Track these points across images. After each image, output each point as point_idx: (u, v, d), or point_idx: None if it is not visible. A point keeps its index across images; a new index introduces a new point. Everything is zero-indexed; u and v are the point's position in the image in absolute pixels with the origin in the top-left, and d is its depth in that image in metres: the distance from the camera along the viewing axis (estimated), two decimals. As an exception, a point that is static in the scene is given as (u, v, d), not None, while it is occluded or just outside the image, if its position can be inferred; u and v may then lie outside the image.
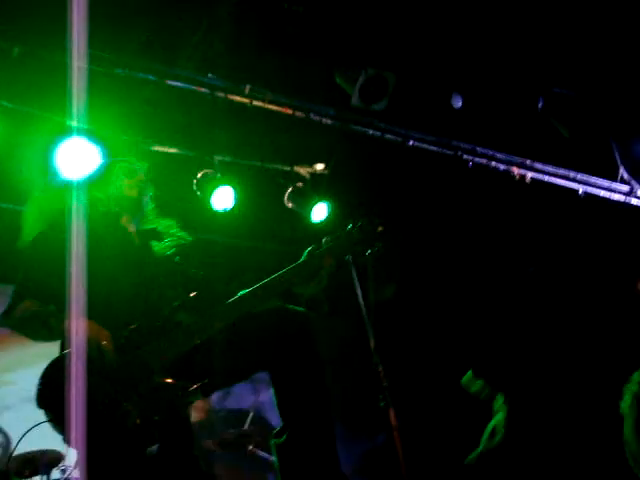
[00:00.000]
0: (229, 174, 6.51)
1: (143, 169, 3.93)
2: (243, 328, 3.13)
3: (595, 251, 7.82)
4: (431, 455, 7.98)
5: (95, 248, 3.27)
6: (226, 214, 6.61)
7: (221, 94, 5.79)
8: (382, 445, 8.11)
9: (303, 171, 6.96)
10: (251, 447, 6.96)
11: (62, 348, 3.07)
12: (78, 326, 2.93)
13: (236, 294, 3.23)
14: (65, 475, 5.48)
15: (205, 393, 3.17)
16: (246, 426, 7.29)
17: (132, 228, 3.71)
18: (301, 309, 3.18)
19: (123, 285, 3.26)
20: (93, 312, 3.04)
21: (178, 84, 5.64)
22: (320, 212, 6.77)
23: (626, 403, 5.40)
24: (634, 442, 5.49)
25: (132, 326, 3.06)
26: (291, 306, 3.20)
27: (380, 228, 3.45)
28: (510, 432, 7.88)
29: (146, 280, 3.39)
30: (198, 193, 6.49)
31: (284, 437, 3.04)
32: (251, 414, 7.41)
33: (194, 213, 6.79)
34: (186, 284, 3.45)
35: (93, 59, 5.07)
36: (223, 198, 6.49)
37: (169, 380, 2.97)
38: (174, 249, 3.73)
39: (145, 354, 3.00)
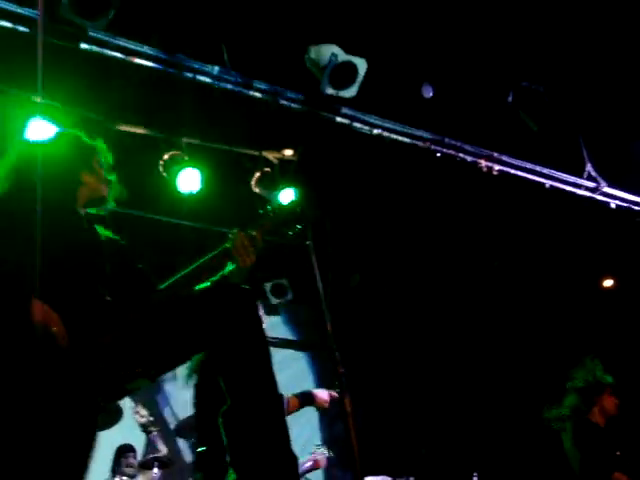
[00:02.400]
0: (196, 156, 6.45)
1: (102, 152, 3.74)
2: (182, 309, 3.09)
3: (559, 246, 7.89)
4: (385, 442, 8.01)
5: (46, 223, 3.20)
6: (192, 197, 6.56)
7: (189, 75, 5.73)
8: (337, 432, 8.14)
9: (271, 156, 6.92)
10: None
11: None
12: (30, 307, 2.86)
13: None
14: None
15: (151, 378, 3.12)
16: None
17: (83, 211, 3.55)
18: (240, 284, 3.15)
19: (70, 265, 3.16)
20: (42, 291, 2.97)
21: (147, 63, 5.56)
22: (287, 198, 6.73)
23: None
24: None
25: (79, 309, 2.99)
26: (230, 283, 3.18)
27: (298, 210, 3.44)
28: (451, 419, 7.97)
29: (93, 262, 3.29)
30: (164, 175, 6.43)
31: (230, 414, 3.01)
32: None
33: (159, 195, 6.75)
34: (133, 267, 3.42)
35: (58, 34, 4.99)
36: (189, 181, 6.44)
37: (115, 364, 2.93)
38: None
39: (91, 338, 2.95)
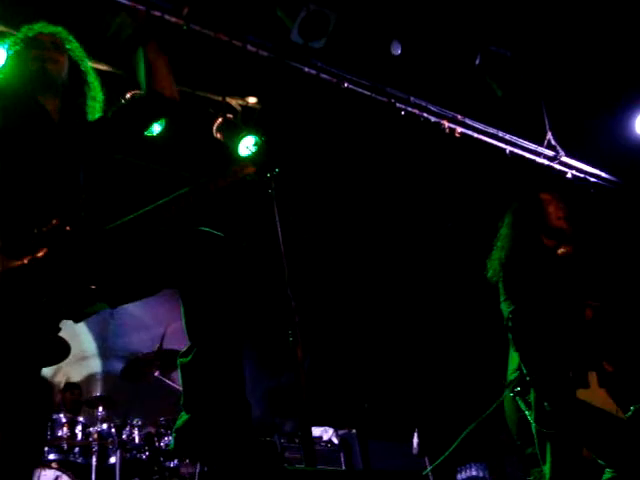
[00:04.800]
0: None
1: (60, 35, 3.56)
2: (157, 242, 3.07)
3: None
4: (329, 394, 8.10)
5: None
6: (152, 138, 6.48)
7: (157, 13, 5.62)
8: (288, 383, 8.20)
9: (235, 102, 6.84)
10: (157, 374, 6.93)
11: None
12: None
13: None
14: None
15: (112, 304, 3.10)
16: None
17: (52, 105, 3.40)
18: (219, 233, 3.14)
19: (34, 172, 3.10)
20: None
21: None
22: (248, 146, 6.68)
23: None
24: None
25: (43, 227, 2.94)
26: (209, 229, 3.15)
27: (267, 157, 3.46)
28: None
29: (63, 166, 3.20)
30: (125, 114, 6.33)
31: (190, 357, 3.02)
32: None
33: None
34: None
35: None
36: (150, 122, 6.35)
37: (69, 277, 2.90)
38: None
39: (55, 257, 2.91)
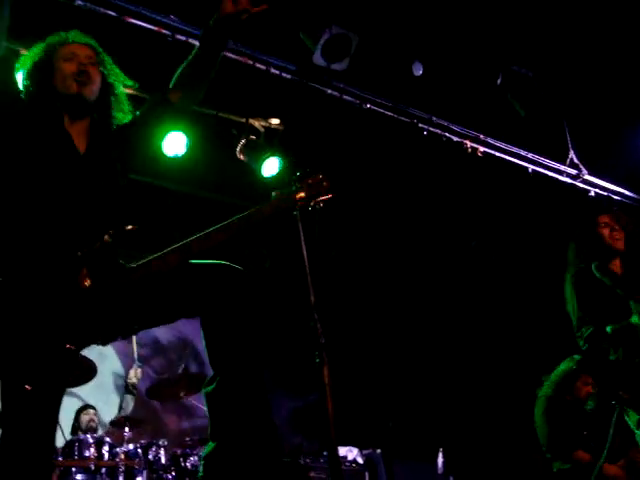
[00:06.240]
0: (183, 120, 6.41)
1: (94, 46, 3.32)
2: (179, 273, 3.06)
3: (539, 230, 7.96)
4: (353, 413, 8.08)
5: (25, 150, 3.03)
6: (176, 160, 6.54)
7: (182, 37, 5.69)
8: (314, 402, 8.21)
9: (258, 124, 6.90)
10: (182, 394, 6.97)
11: None
12: None
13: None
14: None
15: (123, 335, 3.14)
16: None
17: (80, 127, 3.23)
18: (241, 268, 3.14)
19: (54, 201, 3.01)
20: (16, 229, 2.93)
21: (139, 23, 5.52)
22: (271, 167, 6.73)
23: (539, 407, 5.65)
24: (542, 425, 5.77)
25: (60, 252, 2.93)
26: (231, 264, 3.16)
27: (326, 184, 3.42)
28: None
29: (84, 198, 3.09)
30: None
31: (213, 385, 3.05)
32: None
33: (144, 156, 6.70)
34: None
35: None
36: (175, 144, 6.42)
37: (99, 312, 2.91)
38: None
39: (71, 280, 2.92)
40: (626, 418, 4.68)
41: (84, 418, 7.12)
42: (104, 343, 3.15)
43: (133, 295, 3.01)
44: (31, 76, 3.24)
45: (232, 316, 3.03)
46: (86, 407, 7.27)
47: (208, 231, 3.17)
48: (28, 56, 3.29)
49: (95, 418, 7.16)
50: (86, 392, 7.40)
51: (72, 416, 7.20)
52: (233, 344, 3.03)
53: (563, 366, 5.95)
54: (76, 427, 7.12)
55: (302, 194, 3.38)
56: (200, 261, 3.12)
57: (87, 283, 2.88)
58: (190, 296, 3.06)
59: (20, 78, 3.27)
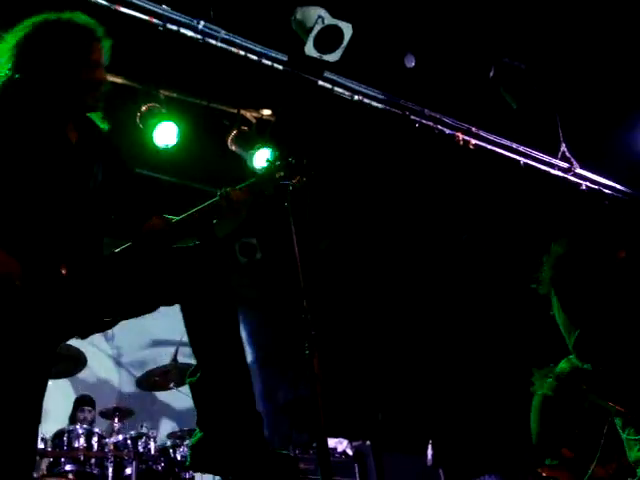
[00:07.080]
0: (174, 110, 6.40)
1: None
2: (156, 261, 3.05)
3: (530, 223, 7.96)
4: (343, 405, 8.09)
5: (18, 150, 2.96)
6: (167, 150, 6.52)
7: (173, 27, 5.67)
8: (304, 393, 8.21)
9: (249, 115, 6.88)
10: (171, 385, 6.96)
11: None
12: None
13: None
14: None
15: (103, 327, 3.13)
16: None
17: (73, 132, 3.18)
18: (216, 249, 3.13)
19: (50, 203, 2.97)
20: (12, 235, 2.87)
21: (130, 12, 5.48)
22: (262, 158, 6.71)
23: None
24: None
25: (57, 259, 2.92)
26: (207, 245, 3.14)
27: (304, 161, 3.41)
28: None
29: (76, 187, 3.08)
30: (141, 126, 6.37)
31: (197, 375, 3.04)
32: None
33: (134, 147, 6.68)
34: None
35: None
36: (166, 134, 6.39)
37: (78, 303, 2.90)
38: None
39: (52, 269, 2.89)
40: (616, 421, 4.68)
41: (79, 416, 7.10)
42: (83, 336, 3.14)
43: (111, 283, 3.01)
44: (65, 45, 3.06)
45: (212, 300, 3.01)
46: (85, 401, 7.22)
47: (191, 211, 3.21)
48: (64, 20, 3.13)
49: (89, 416, 7.12)
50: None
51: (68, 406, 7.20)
52: (214, 330, 3.02)
53: (562, 365, 5.95)
54: (73, 418, 7.08)
55: (281, 172, 3.39)
56: (178, 245, 3.14)
57: (64, 272, 2.87)
58: (169, 282, 3.04)
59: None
